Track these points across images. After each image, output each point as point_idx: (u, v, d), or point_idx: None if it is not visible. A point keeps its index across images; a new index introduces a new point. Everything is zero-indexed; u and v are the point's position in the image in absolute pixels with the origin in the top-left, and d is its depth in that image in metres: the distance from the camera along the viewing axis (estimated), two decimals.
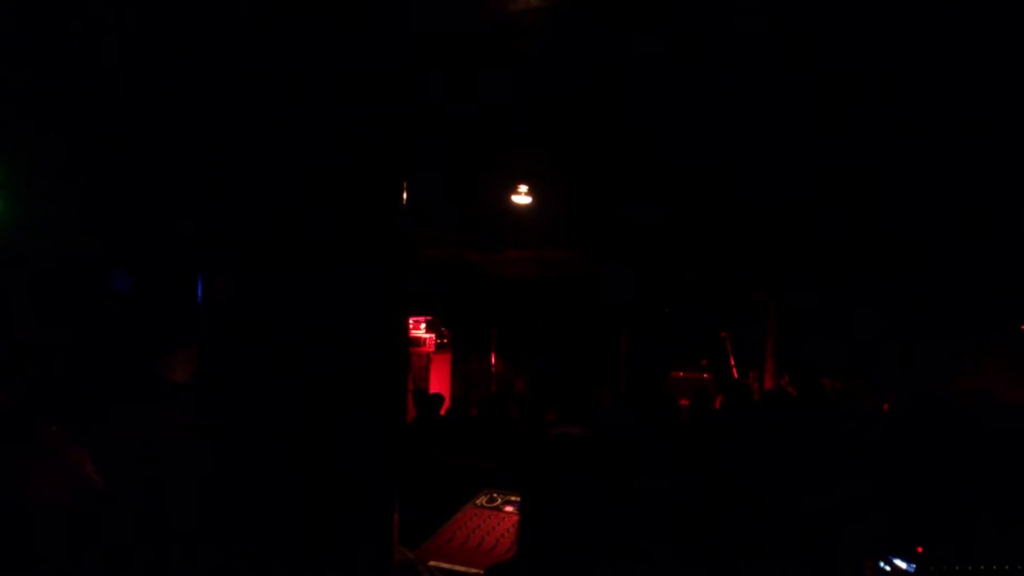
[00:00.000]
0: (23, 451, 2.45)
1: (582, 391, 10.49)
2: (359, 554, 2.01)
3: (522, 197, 7.36)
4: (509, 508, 3.21)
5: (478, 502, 3.29)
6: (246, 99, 2.62)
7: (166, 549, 2.27)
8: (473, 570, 2.77)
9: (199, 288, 2.06)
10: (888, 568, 3.43)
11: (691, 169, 6.69)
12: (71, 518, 2.39)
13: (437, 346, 11.99)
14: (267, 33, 2.42)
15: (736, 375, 12.57)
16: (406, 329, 3.25)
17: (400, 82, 2.96)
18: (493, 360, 13.12)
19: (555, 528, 1.83)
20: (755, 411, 8.27)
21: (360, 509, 2.14)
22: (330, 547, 1.97)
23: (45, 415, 2.68)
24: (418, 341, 11.72)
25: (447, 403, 9.87)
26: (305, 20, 2.55)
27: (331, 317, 2.18)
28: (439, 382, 11.86)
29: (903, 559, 3.41)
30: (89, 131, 4.86)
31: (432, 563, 2.79)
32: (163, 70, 3.71)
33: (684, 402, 10.17)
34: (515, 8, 3.28)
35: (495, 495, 3.34)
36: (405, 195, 2.40)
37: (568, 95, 4.76)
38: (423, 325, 11.86)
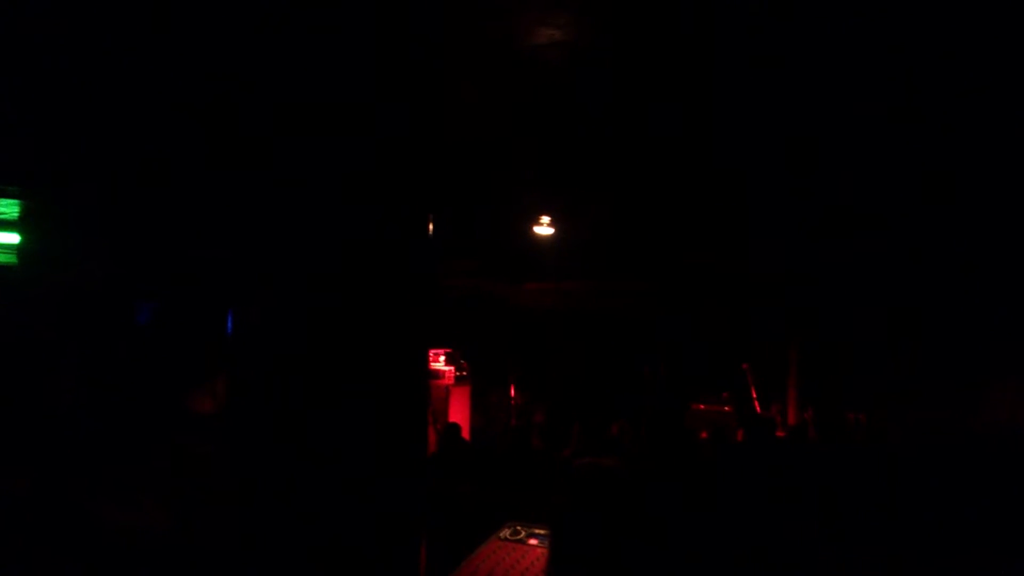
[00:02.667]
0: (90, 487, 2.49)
1: (602, 423, 10.42)
2: None
3: (544, 228, 7.37)
4: (533, 541, 3.19)
5: (502, 535, 3.27)
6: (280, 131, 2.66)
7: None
8: None
9: (229, 321, 2.09)
10: None
11: (714, 206, 6.71)
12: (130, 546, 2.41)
13: (456, 378, 11.98)
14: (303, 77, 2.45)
15: (758, 408, 12.42)
16: (428, 363, 3.25)
17: (423, 116, 2.99)
18: (513, 392, 13.07)
19: (584, 559, 1.81)
20: (778, 449, 8.18)
21: (387, 543, 2.13)
22: None
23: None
24: (437, 373, 11.71)
25: (465, 434, 9.83)
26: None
27: (356, 351, 2.19)
28: (458, 415, 11.82)
29: None
30: (113, 162, 4.92)
31: None
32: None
33: (704, 435, 10.07)
34: (537, 42, 3.32)
35: (519, 528, 3.32)
36: (431, 227, 2.42)
37: (592, 129, 4.78)
38: (442, 357, 11.86)
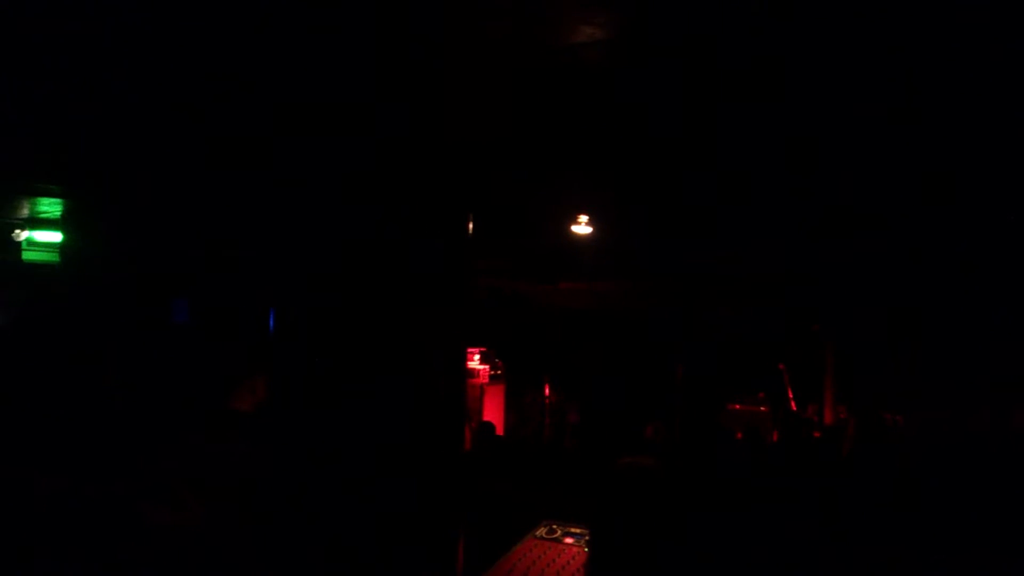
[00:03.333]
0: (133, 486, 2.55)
1: (636, 423, 10.39)
2: None
3: (580, 228, 7.35)
4: (569, 540, 3.19)
5: (538, 533, 3.27)
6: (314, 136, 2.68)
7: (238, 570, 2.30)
8: None
9: (271, 320, 2.11)
10: None
11: (748, 208, 6.66)
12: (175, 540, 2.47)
13: (491, 377, 12.02)
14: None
15: (795, 408, 12.30)
16: (466, 362, 3.26)
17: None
18: (547, 391, 13.07)
19: (623, 558, 1.80)
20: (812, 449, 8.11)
21: (424, 541, 2.14)
22: None
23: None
24: (472, 372, 11.76)
25: (499, 432, 9.85)
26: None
27: (397, 349, 2.21)
28: (493, 413, 11.86)
29: None
30: (151, 165, 5.01)
31: None
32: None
33: (739, 435, 10.00)
34: (576, 40, 3.30)
35: (555, 527, 3.32)
36: (471, 226, 2.43)
37: (627, 132, 4.75)
38: (477, 356, 11.90)
